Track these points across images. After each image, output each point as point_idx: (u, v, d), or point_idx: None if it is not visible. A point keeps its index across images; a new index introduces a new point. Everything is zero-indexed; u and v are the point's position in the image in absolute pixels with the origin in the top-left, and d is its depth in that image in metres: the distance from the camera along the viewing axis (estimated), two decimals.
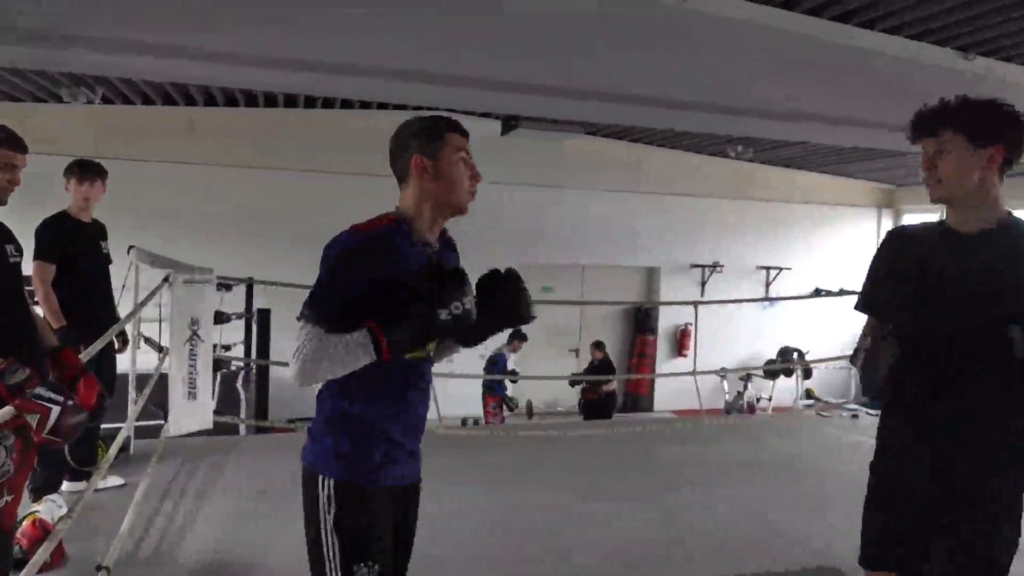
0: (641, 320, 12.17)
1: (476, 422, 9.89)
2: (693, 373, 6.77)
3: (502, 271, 1.98)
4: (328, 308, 1.66)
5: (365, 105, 9.47)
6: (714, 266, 12.06)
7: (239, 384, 7.34)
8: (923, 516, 1.87)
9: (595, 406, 9.56)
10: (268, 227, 9.87)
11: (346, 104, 9.46)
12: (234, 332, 7.80)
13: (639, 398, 12.08)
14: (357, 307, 1.65)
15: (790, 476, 5.04)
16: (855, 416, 6.92)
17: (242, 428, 6.73)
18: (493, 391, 9.28)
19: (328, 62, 4.09)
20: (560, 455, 5.54)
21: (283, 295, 8.66)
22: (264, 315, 7.65)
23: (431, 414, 5.94)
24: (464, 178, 1.85)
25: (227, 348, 7.69)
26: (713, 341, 11.59)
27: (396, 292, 1.67)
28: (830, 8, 4.80)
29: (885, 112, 5.64)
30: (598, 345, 9.65)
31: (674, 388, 10.61)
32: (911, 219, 13.20)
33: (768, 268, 12.29)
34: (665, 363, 12.07)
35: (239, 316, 7.64)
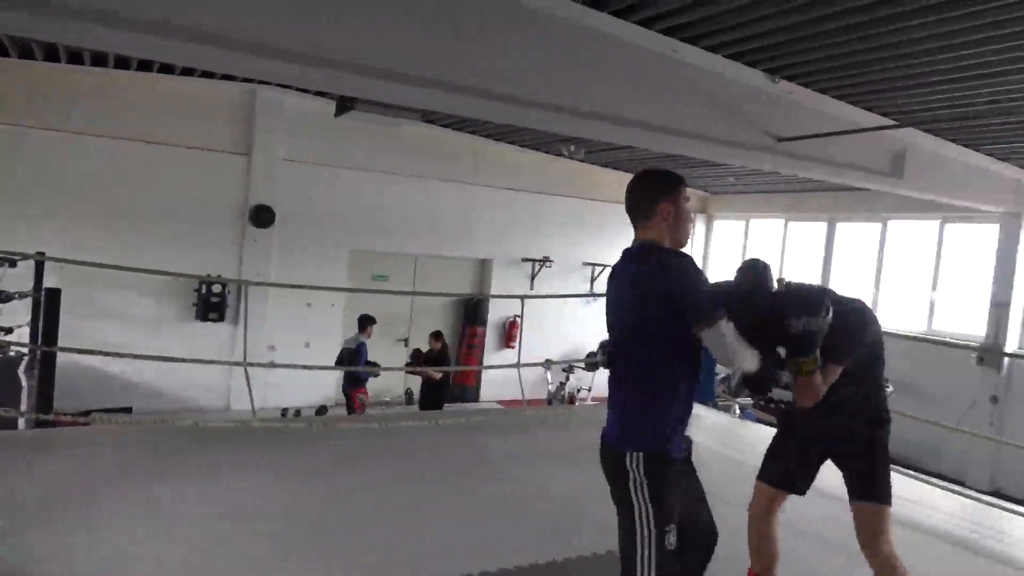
0: (471, 311, 12.28)
1: (298, 413, 9.53)
2: (517, 365, 6.91)
3: None
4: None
5: (188, 71, 8.75)
6: (544, 261, 12.41)
7: (21, 371, 6.51)
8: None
9: (427, 395, 9.50)
10: (62, 198, 8.89)
11: (165, 68, 8.68)
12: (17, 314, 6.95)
13: (467, 389, 12.19)
14: None
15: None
16: None
17: (21, 422, 5.97)
18: (359, 382, 8.99)
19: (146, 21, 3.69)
20: (381, 447, 5.43)
21: (77, 273, 7.90)
22: (53, 295, 6.84)
23: (244, 406, 5.62)
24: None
25: (8, 331, 6.81)
26: (540, 334, 11.97)
27: None
28: (660, 21, 5.05)
29: (702, 123, 6.04)
30: (437, 335, 9.60)
31: (500, 379, 10.82)
32: (722, 225, 14.36)
33: (594, 265, 12.83)
34: (493, 354, 12.26)
35: (24, 295, 6.80)
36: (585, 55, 5.19)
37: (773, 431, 3.34)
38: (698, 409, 7.20)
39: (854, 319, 2.70)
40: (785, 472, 3.05)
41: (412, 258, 11.67)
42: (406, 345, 11.56)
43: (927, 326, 10.62)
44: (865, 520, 2.79)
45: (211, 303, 9.88)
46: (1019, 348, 9.57)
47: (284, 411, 9.66)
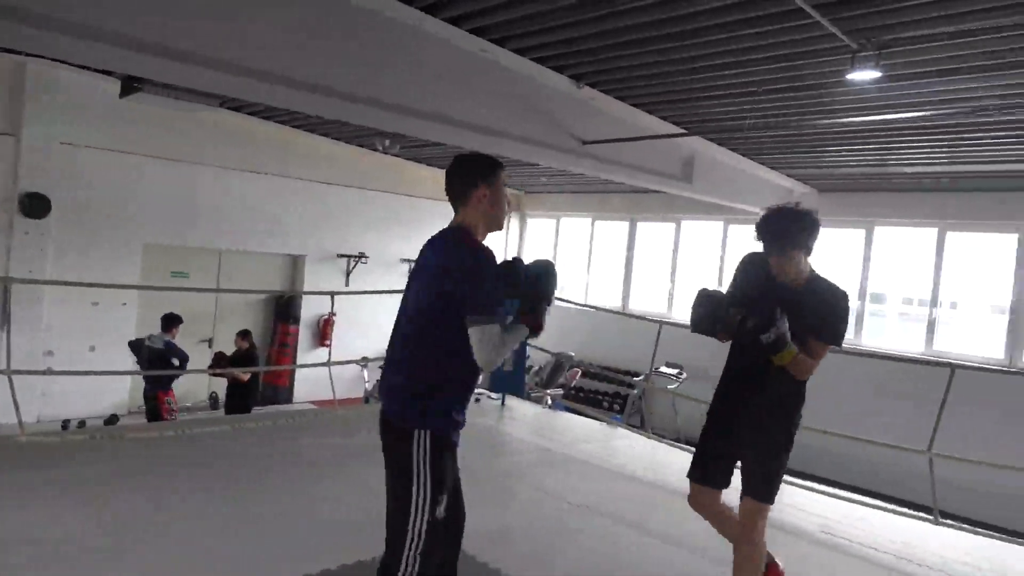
0: (283, 309, 11.76)
1: (81, 424, 8.61)
2: (328, 364, 6.73)
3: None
4: None
5: None
6: (359, 256, 12.17)
7: None
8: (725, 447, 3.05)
9: (233, 399, 8.96)
10: None
11: None
12: None
13: (279, 389, 11.67)
14: None
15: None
16: (477, 399, 7.53)
17: None
18: (165, 384, 8.20)
19: None
20: (176, 457, 5.04)
21: None
22: None
23: (10, 420, 4.96)
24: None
25: None
26: (357, 331, 11.73)
27: None
28: (468, 20, 5.12)
29: (513, 123, 6.23)
30: (243, 334, 9.05)
31: (315, 378, 10.46)
32: (534, 223, 14.88)
33: (411, 261, 12.76)
34: (308, 353, 11.84)
35: None
36: (396, 49, 5.15)
37: (581, 419, 3.51)
38: (511, 401, 7.44)
39: (844, 305, 2.89)
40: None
41: (216, 253, 10.95)
42: (210, 346, 10.83)
43: None
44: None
45: None
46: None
47: (65, 423, 8.68)
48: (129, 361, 8.31)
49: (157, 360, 7.91)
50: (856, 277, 10.43)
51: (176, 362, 8.10)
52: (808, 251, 2.88)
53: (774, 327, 2.75)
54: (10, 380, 5.02)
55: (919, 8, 4.28)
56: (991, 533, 4.75)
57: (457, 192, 2.41)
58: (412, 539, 2.20)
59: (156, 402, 8.14)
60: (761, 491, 2.88)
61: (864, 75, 4.98)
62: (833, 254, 10.89)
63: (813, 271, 2.94)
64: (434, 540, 2.23)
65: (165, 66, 4.14)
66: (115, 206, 9.66)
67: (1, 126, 8.73)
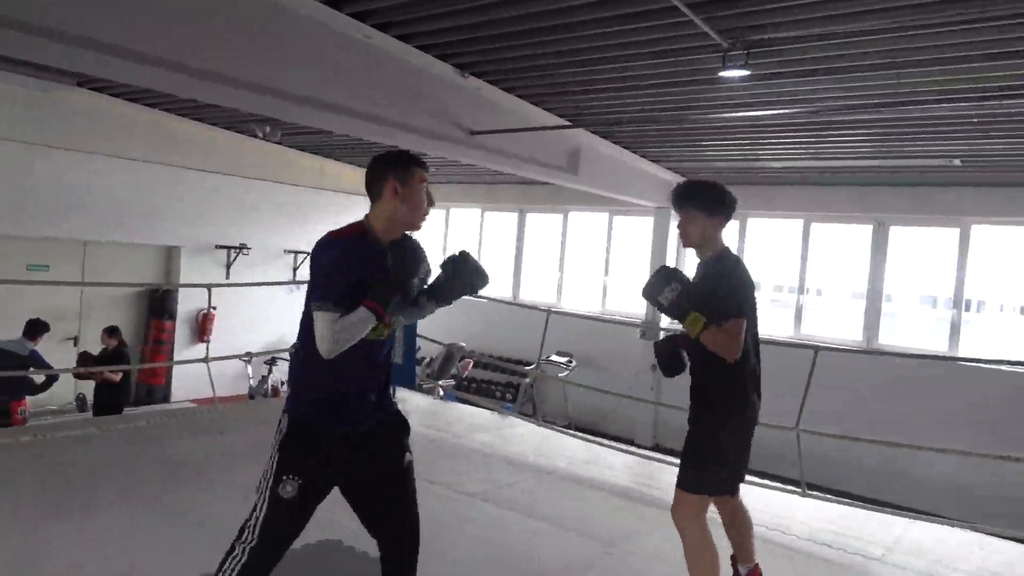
0: (157, 304, 11.11)
1: None
2: (206, 360, 6.42)
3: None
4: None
5: None
6: (241, 248, 11.66)
7: None
8: None
9: (102, 400, 8.37)
10: None
11: None
12: None
13: (154, 388, 11.04)
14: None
15: None
16: None
17: None
18: (21, 396, 7.47)
19: None
20: (31, 465, 4.66)
21: None
22: None
23: None
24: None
25: None
26: (240, 325, 11.26)
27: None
28: (349, 4, 4.98)
29: (397, 112, 6.12)
30: (111, 331, 8.45)
31: (194, 375, 9.94)
32: None
33: (296, 252, 12.39)
34: (185, 349, 11.24)
35: None
36: (273, 32, 4.95)
37: (473, 409, 3.48)
38: (403, 393, 7.35)
39: (725, 284, 2.90)
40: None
41: (80, 244, 10.19)
42: (75, 344, 10.09)
43: (601, 306, 12.04)
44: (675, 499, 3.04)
45: None
46: (670, 323, 11.29)
47: None
48: None
49: (18, 368, 7.24)
50: None
51: (37, 380, 7.49)
52: (710, 214, 2.95)
53: (668, 287, 2.83)
54: None
55: (787, 10, 4.53)
56: (853, 502, 5.14)
57: (369, 187, 2.39)
58: (253, 515, 2.31)
59: (8, 411, 7.46)
60: (680, 478, 3.04)
61: (734, 73, 5.23)
62: None
63: (727, 251, 3.02)
64: (275, 519, 2.28)
65: (11, 39, 3.78)
66: None
67: None
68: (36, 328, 7.60)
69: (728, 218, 3.02)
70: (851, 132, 7.35)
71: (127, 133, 10.03)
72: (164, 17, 4.39)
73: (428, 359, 9.97)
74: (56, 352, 9.88)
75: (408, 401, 7.26)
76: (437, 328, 8.99)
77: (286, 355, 11.40)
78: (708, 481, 2.97)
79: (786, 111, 6.60)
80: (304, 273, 12.29)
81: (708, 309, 2.79)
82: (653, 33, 5.10)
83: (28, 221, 9.39)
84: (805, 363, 5.12)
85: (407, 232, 2.44)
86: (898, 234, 9.79)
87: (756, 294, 3.04)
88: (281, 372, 11.63)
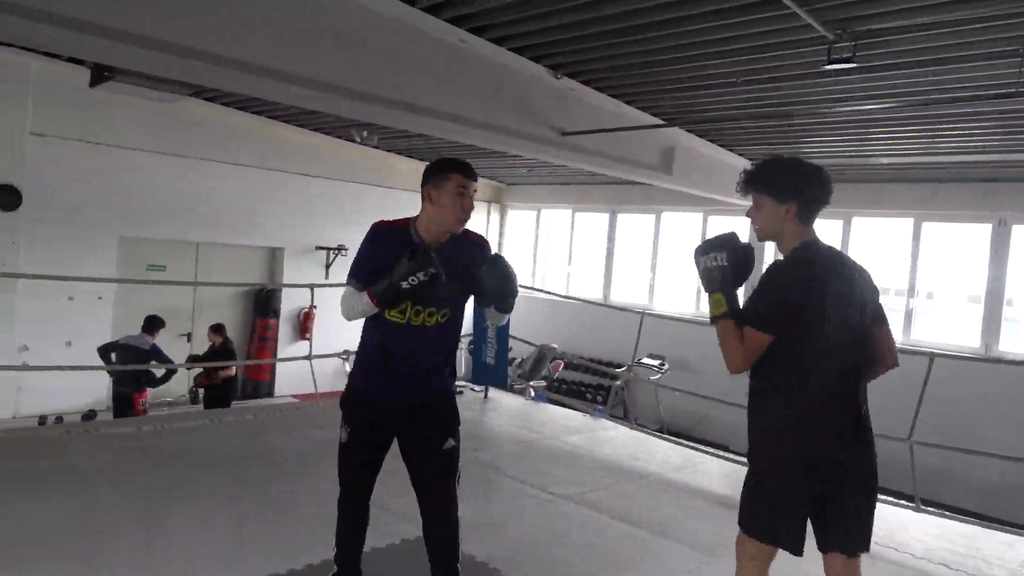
0: (262, 303, 11.64)
1: (59, 419, 8.48)
2: (309, 357, 6.67)
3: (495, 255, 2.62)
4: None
5: None
6: (339, 249, 12.07)
7: None
8: None
9: (212, 393, 8.88)
10: None
11: None
12: None
13: (260, 384, 11.57)
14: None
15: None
16: (460, 392, 7.52)
17: None
18: (143, 388, 8.06)
19: None
20: (155, 451, 4.98)
21: None
22: None
23: None
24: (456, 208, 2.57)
25: None
26: (338, 324, 11.63)
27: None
28: (446, 9, 5.07)
29: (491, 114, 6.18)
30: (217, 328, 8.95)
31: (296, 372, 10.37)
32: (515, 215, 14.84)
33: None
34: (288, 347, 11.74)
35: None
36: (372, 39, 5.09)
37: (565, 411, 3.44)
38: (493, 393, 7.43)
39: (764, 280, 2.38)
40: None
41: (193, 246, 10.81)
42: (188, 340, 10.72)
43: (695, 308, 11.77)
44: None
45: None
46: None
47: (42, 419, 8.55)
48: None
49: (140, 361, 7.76)
50: None
51: (158, 372, 8.00)
52: (778, 199, 2.38)
53: (714, 253, 2.40)
54: None
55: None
56: (972, 520, 4.82)
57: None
58: None
59: (131, 403, 8.00)
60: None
61: (840, 66, 5.00)
62: None
63: (806, 246, 2.39)
64: (341, 456, 2.81)
65: (134, 54, 4.05)
66: (88, 198, 9.49)
67: None
68: (153, 324, 8.13)
69: (806, 206, 2.38)
70: (967, 125, 6.89)
71: (236, 140, 10.58)
72: (270, 29, 4.60)
73: (520, 360, 10.03)
74: (171, 347, 10.51)
75: (499, 401, 7.32)
76: (529, 329, 9.03)
77: None
78: (753, 523, 2.41)
79: (895, 104, 6.26)
80: None
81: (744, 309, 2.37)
82: (754, 27, 4.94)
83: (148, 224, 10.04)
84: (917, 371, 4.84)
85: (471, 236, 2.69)
86: (1021, 233, 9.11)
87: (845, 304, 2.33)
88: None
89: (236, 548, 3.49)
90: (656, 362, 10.97)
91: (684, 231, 12.24)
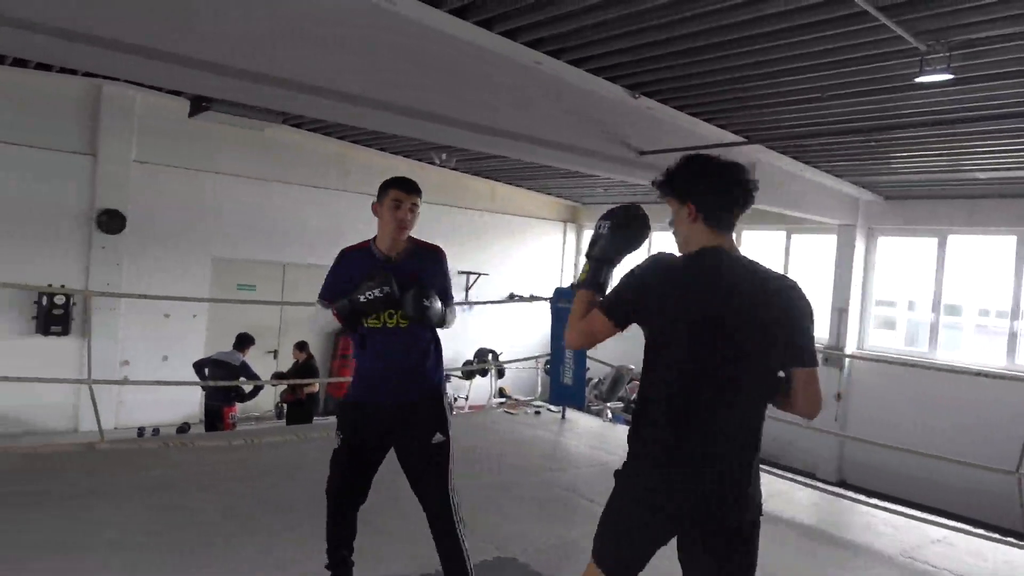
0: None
1: (155, 431, 8.93)
2: None
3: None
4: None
5: (19, 62, 8.00)
6: None
7: None
8: None
9: (296, 409, 9.18)
10: None
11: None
12: None
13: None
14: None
15: (478, 470, 5.28)
16: (538, 412, 7.51)
17: None
18: (233, 401, 8.49)
19: None
20: (246, 465, 5.17)
21: None
22: None
23: (94, 426, 5.17)
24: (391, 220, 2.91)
25: None
26: None
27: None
28: (523, 33, 5.14)
29: (567, 135, 6.21)
30: (301, 346, 9.27)
31: None
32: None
33: (468, 273, 12.87)
34: None
35: None
36: (451, 63, 5.20)
37: None
38: (571, 414, 7.38)
39: (636, 269, 2.11)
40: None
41: (280, 266, 11.24)
42: (275, 357, 11.11)
43: None
44: None
45: (53, 316, 9.06)
46: (857, 349, 10.48)
47: (141, 430, 9.03)
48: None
49: (230, 377, 8.11)
50: (929, 288, 10.03)
51: (247, 388, 8.33)
52: (681, 200, 2.12)
53: (609, 219, 2.27)
54: (91, 389, 5.25)
55: (991, 7, 4.11)
56: None
57: None
58: None
59: (220, 416, 8.36)
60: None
61: (933, 77, 4.79)
62: (904, 264, 10.52)
63: (701, 251, 2.07)
64: (332, 459, 3.01)
65: (231, 85, 4.29)
66: (185, 221, 10.04)
67: (81, 146, 9.18)
68: (244, 341, 8.50)
69: (709, 208, 2.07)
70: None
71: (320, 164, 11.00)
72: (355, 58, 4.77)
73: (597, 380, 9.95)
74: (259, 364, 10.91)
75: (577, 422, 7.27)
76: (606, 350, 8.95)
77: (458, 372, 11.87)
78: (600, 546, 2.14)
79: (994, 115, 5.94)
80: (476, 294, 12.76)
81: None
82: (839, 41, 4.80)
83: (239, 245, 10.52)
84: (1023, 399, 4.55)
85: (426, 246, 3.03)
86: None
87: (714, 324, 1.98)
88: (454, 388, 12.10)
89: (320, 560, 3.57)
90: None
91: (766, 250, 11.91)
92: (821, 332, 10.59)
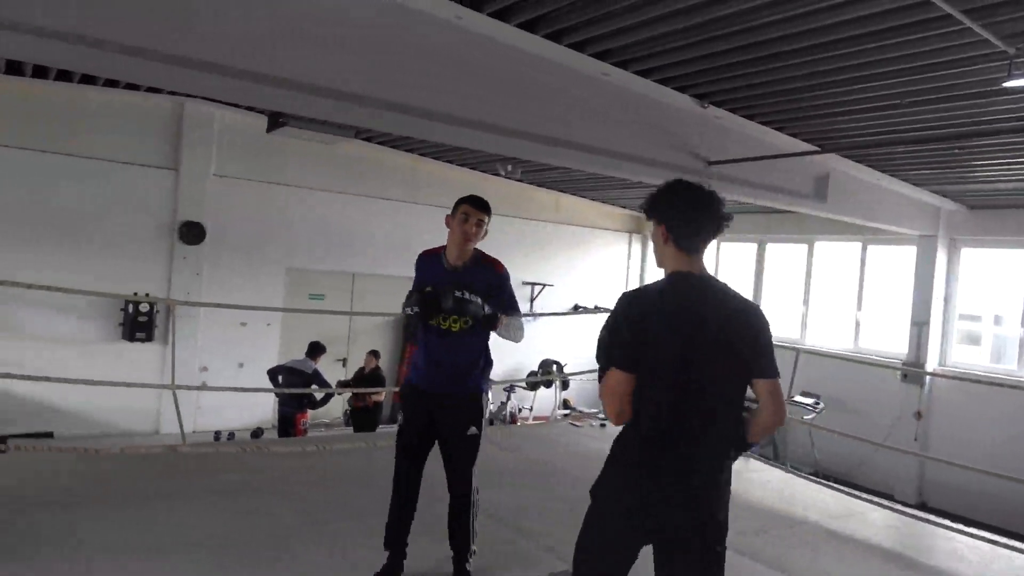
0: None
1: (231, 436, 9.24)
2: None
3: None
4: None
5: (110, 83, 8.48)
6: None
7: None
8: None
9: (363, 416, 9.37)
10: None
11: (86, 79, 8.38)
12: None
13: None
14: None
15: (543, 483, 5.27)
16: (603, 425, 7.45)
17: None
18: (305, 408, 8.73)
19: (66, 32, 3.57)
20: (318, 470, 5.30)
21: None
22: None
23: (174, 430, 5.39)
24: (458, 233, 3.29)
25: None
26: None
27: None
28: (591, 45, 5.15)
29: (634, 145, 6.17)
30: (375, 354, 9.49)
31: None
32: None
33: (533, 284, 12.90)
34: None
35: None
36: (518, 76, 5.25)
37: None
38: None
39: (609, 319, 2.30)
40: None
41: (350, 276, 11.50)
42: (344, 365, 11.37)
43: (854, 344, 11.03)
44: None
45: (138, 323, 9.51)
46: (939, 365, 10.03)
47: (217, 434, 9.36)
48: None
49: (303, 384, 8.32)
50: (1017, 302, 9.53)
51: (318, 395, 8.54)
52: (657, 221, 2.25)
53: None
54: (174, 395, 5.48)
55: None
56: None
57: None
58: None
59: (293, 422, 8.55)
60: None
61: (1023, 82, 4.58)
62: (987, 275, 10.04)
63: (669, 276, 2.24)
64: (397, 440, 3.44)
65: (308, 101, 4.44)
66: (260, 232, 10.40)
67: (165, 161, 9.64)
68: (315, 349, 8.72)
69: (677, 230, 2.20)
70: None
71: (388, 176, 11.24)
72: (424, 74, 4.87)
73: None
74: (329, 371, 11.17)
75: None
76: None
77: (523, 383, 11.89)
78: (578, 559, 2.28)
79: None
80: (541, 305, 12.77)
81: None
82: (921, 46, 4.63)
83: (311, 256, 10.84)
84: None
85: (489, 261, 3.35)
86: None
87: (683, 346, 2.12)
88: (518, 399, 12.12)
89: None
90: (810, 400, 10.34)
91: (841, 261, 11.54)
92: (900, 347, 10.20)
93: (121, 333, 9.50)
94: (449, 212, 3.31)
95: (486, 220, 3.27)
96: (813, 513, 5.19)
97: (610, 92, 5.68)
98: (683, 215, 2.21)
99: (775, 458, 9.13)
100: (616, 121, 5.93)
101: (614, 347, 2.17)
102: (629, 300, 2.21)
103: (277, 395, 8.92)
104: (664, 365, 2.12)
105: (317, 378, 8.47)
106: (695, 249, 2.21)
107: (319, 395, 8.66)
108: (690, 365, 2.11)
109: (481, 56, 5.00)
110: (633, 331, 2.14)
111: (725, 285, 2.23)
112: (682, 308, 2.15)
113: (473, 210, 3.25)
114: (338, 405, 11.09)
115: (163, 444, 6.14)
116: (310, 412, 9.00)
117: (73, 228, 9.08)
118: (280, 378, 8.48)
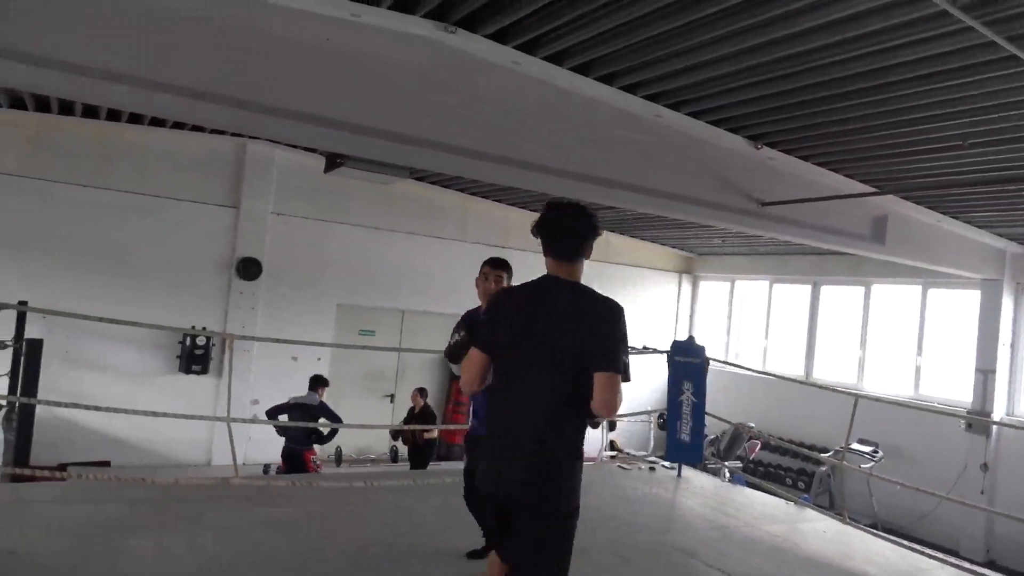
0: (458, 356, 12.16)
1: (279, 469, 9.33)
2: None
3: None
4: None
5: (177, 125, 8.87)
6: None
7: None
8: None
9: (416, 453, 9.40)
10: (47, 244, 8.87)
11: (156, 122, 8.80)
12: None
13: (452, 447, 11.99)
14: None
15: (591, 526, 5.17)
16: (652, 468, 7.31)
17: None
18: (311, 442, 8.36)
19: (138, 76, 3.77)
20: (365, 505, 5.31)
21: (60, 324, 7.80)
22: (35, 345, 6.74)
23: (226, 461, 5.47)
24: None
25: None
26: None
27: None
28: (644, 87, 5.18)
29: (687, 186, 6.15)
30: (422, 392, 9.51)
31: None
32: (707, 285, 14.46)
33: None
34: None
35: (4, 345, 6.71)
36: (572, 117, 5.30)
37: (763, 496, 3.26)
38: (687, 471, 7.14)
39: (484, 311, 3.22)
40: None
41: (399, 313, 11.63)
42: (391, 401, 11.43)
43: (914, 391, 10.63)
44: None
45: (195, 355, 9.77)
46: (1006, 415, 9.58)
47: (266, 467, 9.47)
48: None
49: (311, 418, 7.91)
50: None
51: (325, 430, 8.16)
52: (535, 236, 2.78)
53: None
54: (229, 427, 5.58)
55: None
56: None
57: None
58: None
59: (303, 460, 8.17)
60: None
61: None
62: None
63: (542, 277, 2.75)
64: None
65: (366, 143, 4.57)
66: (314, 269, 10.64)
67: (226, 199, 9.98)
68: (318, 382, 8.46)
69: (543, 241, 2.70)
70: None
71: (439, 216, 11.43)
72: (477, 117, 4.96)
73: (714, 437, 9.59)
74: (377, 408, 11.31)
75: (693, 481, 7.01)
76: (723, 406, 8.63)
77: None
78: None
79: None
80: None
81: None
82: (985, 87, 4.53)
83: (362, 292, 11.02)
84: None
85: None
86: None
87: (524, 336, 2.58)
88: None
89: None
90: (868, 448, 9.97)
91: (899, 305, 11.21)
92: (964, 394, 9.80)
93: (178, 366, 9.76)
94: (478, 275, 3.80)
95: (504, 276, 3.72)
96: (874, 568, 4.96)
97: (663, 133, 5.70)
98: (546, 230, 2.70)
99: (831, 507, 8.81)
100: (669, 162, 5.93)
101: (479, 329, 2.80)
102: (498, 295, 2.90)
103: (280, 432, 8.47)
104: (501, 347, 2.62)
105: (324, 410, 8.20)
106: (563, 256, 2.68)
107: (325, 431, 8.25)
108: (516, 350, 2.57)
109: (535, 100, 5.08)
110: (490, 319, 2.74)
111: (585, 289, 2.65)
112: (524, 303, 2.63)
113: (490, 270, 3.77)
114: (383, 441, 11.12)
115: (215, 475, 6.24)
116: (355, 444, 8.92)
117: (137, 263, 9.43)
118: (288, 415, 8.12)
